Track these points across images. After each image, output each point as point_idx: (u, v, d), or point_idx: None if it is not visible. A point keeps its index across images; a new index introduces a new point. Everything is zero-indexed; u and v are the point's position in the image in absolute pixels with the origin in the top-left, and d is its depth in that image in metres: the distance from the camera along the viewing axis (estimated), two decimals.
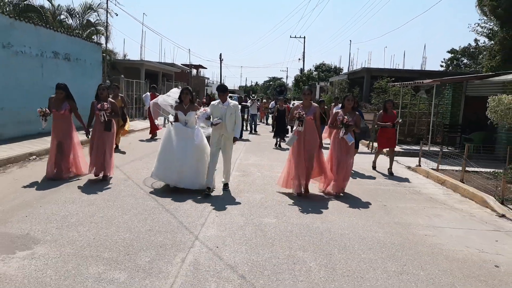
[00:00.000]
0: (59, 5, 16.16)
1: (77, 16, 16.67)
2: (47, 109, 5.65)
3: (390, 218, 4.66)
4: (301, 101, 5.59)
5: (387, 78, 15.51)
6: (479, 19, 16.12)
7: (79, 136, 6.13)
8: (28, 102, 8.82)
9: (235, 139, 5.34)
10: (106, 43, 17.78)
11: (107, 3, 17.38)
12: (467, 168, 7.11)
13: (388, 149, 7.77)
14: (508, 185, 6.12)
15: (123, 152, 8.42)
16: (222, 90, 5.35)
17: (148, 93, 11.42)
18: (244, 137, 12.89)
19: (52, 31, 10.62)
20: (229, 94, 6.39)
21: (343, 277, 3.06)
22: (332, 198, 5.36)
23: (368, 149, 10.88)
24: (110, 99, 5.97)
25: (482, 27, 17.56)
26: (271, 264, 3.22)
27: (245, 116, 14.40)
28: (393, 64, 46.47)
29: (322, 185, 5.66)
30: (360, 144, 8.66)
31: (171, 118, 5.55)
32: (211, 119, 5.25)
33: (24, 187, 5.20)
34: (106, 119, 5.64)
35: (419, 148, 8.64)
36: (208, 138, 5.50)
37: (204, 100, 14.61)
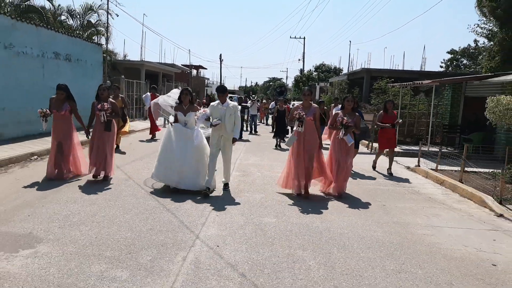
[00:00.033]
0: (59, 5, 16.19)
1: (78, 16, 16.73)
2: (47, 110, 5.68)
3: (389, 217, 4.70)
4: (301, 102, 5.62)
5: (387, 79, 15.55)
6: (478, 20, 16.20)
7: (79, 137, 6.16)
8: (29, 103, 8.86)
9: (234, 140, 5.36)
10: (106, 44, 17.83)
11: (107, 4, 17.45)
12: (466, 169, 7.15)
13: (388, 149, 7.80)
14: (506, 185, 6.16)
15: (123, 153, 8.46)
16: (222, 91, 5.39)
17: (149, 93, 11.46)
18: (244, 137, 12.93)
19: (53, 32, 10.67)
20: (229, 95, 6.44)
21: (342, 276, 3.10)
22: (332, 198, 5.40)
23: (367, 149, 10.92)
24: (110, 99, 5.99)
25: (481, 28, 17.64)
26: (271, 262, 3.26)
27: (245, 117, 14.44)
28: (392, 65, 46.51)
29: (323, 186, 5.69)
30: (360, 145, 8.70)
31: (171, 118, 5.58)
32: (211, 120, 5.28)
33: (26, 187, 5.24)
34: (106, 119, 5.67)
35: (418, 149, 8.68)
36: (208, 138, 5.53)
37: (204, 100, 14.66)
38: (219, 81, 48.22)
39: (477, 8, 15.38)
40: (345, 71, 34.39)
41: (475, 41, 26.25)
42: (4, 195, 4.83)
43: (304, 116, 5.18)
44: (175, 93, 5.95)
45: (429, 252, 3.67)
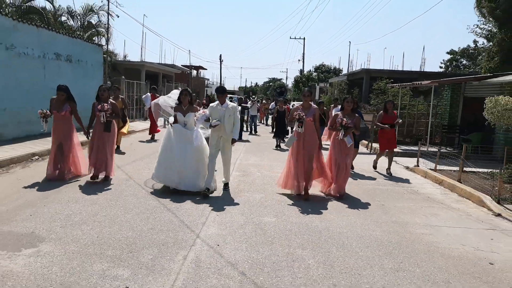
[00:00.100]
0: (59, 6, 16.25)
1: (78, 17, 16.78)
2: (47, 111, 5.70)
3: (388, 217, 4.74)
4: (301, 102, 5.65)
5: (386, 79, 15.60)
6: (478, 21, 16.24)
7: (79, 137, 6.17)
8: (30, 103, 8.90)
9: (233, 141, 5.37)
10: (107, 45, 17.88)
11: (108, 5, 17.49)
12: (465, 169, 7.19)
13: (389, 149, 7.79)
14: (504, 185, 6.20)
15: (123, 153, 8.48)
16: (221, 91, 5.40)
17: (149, 94, 11.50)
18: (244, 137, 12.97)
19: (54, 33, 10.73)
20: (229, 95, 6.48)
21: (341, 274, 3.13)
22: (331, 199, 5.42)
23: (367, 149, 10.96)
24: (111, 100, 6.01)
25: (481, 29, 17.67)
26: (271, 261, 3.29)
27: (245, 117, 14.47)
28: (392, 65, 46.55)
29: (323, 187, 5.70)
30: (359, 145, 8.73)
31: (171, 119, 5.60)
32: (210, 121, 5.30)
33: (27, 187, 5.28)
34: (106, 120, 5.67)
35: (417, 149, 8.71)
36: (207, 139, 5.56)
37: (204, 101, 14.69)
38: (219, 81, 48.26)
39: (476, 8, 15.41)
40: (344, 71, 34.46)
41: (475, 41, 26.31)
42: (6, 195, 4.87)
43: (304, 117, 5.20)
44: (175, 94, 5.98)
45: (427, 251, 3.71)
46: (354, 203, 5.27)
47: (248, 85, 77.55)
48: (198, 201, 4.94)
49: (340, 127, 5.50)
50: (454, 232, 4.32)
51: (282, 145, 10.75)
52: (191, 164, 5.27)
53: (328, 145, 6.12)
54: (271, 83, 70.13)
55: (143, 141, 10.81)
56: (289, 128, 11.50)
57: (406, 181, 7.09)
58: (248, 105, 15.24)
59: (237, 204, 4.96)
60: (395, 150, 8.11)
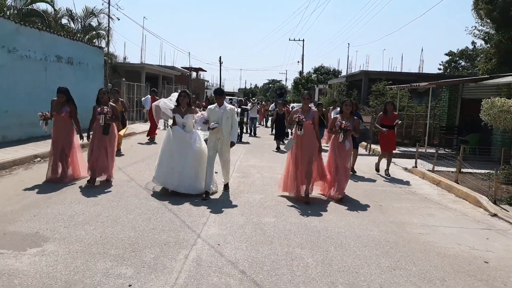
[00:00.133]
0: (60, 8, 16.33)
1: (79, 20, 16.90)
2: (47, 113, 5.74)
3: (385, 217, 4.82)
4: (300, 104, 5.70)
5: (385, 81, 15.70)
6: (475, 22, 16.35)
7: (80, 139, 6.14)
8: (31, 105, 8.98)
9: (232, 144, 5.36)
10: (108, 47, 17.98)
11: (108, 8, 17.60)
12: (462, 170, 7.28)
13: (388, 150, 7.83)
14: (501, 185, 6.29)
15: (122, 155, 8.50)
16: (219, 93, 5.40)
17: (149, 96, 11.58)
18: (244, 139, 13.06)
19: (56, 36, 10.83)
20: (229, 97, 6.53)
21: (339, 272, 3.21)
22: (331, 200, 5.45)
23: (366, 151, 11.04)
24: (111, 103, 6.00)
25: (479, 31, 17.81)
26: (270, 260, 3.37)
27: (245, 119, 14.54)
28: (391, 67, 46.76)
29: (323, 189, 5.71)
30: (358, 146, 8.79)
31: (171, 122, 5.65)
32: (209, 124, 5.26)
33: (31, 188, 5.35)
34: (105, 123, 5.66)
35: (415, 150, 8.80)
36: (207, 141, 5.60)
37: (204, 103, 14.78)
38: (219, 83, 48.38)
39: (473, 10, 15.56)
40: (344, 73, 34.59)
41: (473, 43, 26.44)
42: (10, 196, 4.95)
43: (303, 119, 5.22)
44: (175, 96, 6.05)
45: (423, 250, 3.79)
46: (353, 204, 5.34)
47: (248, 86, 77.75)
48: (198, 202, 5.02)
49: (340, 130, 5.53)
50: (450, 231, 4.40)
51: (282, 147, 10.83)
52: (191, 167, 5.31)
53: (327, 146, 6.18)
54: (270, 85, 70.27)
55: (143, 143, 10.88)
56: (288, 130, 11.58)
57: (404, 182, 7.17)
58: (248, 107, 15.31)
59: (237, 204, 5.04)
60: (394, 151, 8.18)
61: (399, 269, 3.33)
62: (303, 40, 42.19)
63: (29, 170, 6.68)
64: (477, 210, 5.38)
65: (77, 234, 3.72)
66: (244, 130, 14.45)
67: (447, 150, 10.67)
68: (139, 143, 10.80)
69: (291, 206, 5.09)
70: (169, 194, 5.27)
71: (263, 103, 23.24)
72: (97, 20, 17.44)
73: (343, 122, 5.54)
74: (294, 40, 40.73)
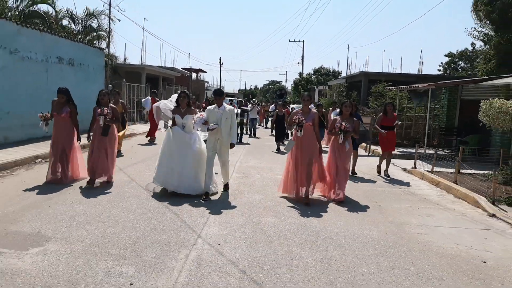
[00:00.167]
0: (60, 9, 16.39)
1: (80, 21, 16.96)
2: (47, 114, 5.76)
3: (384, 217, 4.85)
4: (300, 106, 5.71)
5: (384, 82, 15.75)
6: (475, 23, 16.41)
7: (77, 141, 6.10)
8: (32, 106, 9.02)
9: (232, 145, 5.37)
10: (108, 48, 18.05)
11: (109, 9, 17.67)
12: (462, 171, 7.31)
13: (389, 151, 7.83)
14: (500, 186, 6.32)
15: (122, 155, 8.51)
16: (219, 94, 5.39)
17: (149, 97, 11.62)
18: (244, 140, 13.09)
19: (57, 37, 10.88)
20: (229, 98, 6.54)
21: (338, 272, 3.25)
22: (330, 201, 5.47)
23: (365, 151, 11.07)
24: (111, 104, 6.01)
25: (478, 32, 17.87)
26: (270, 259, 3.40)
27: (245, 120, 14.57)
28: (390, 68, 46.83)
29: (323, 191, 5.70)
30: (358, 147, 8.81)
31: (171, 122, 5.66)
32: (208, 124, 5.26)
33: (32, 188, 5.39)
34: (104, 124, 5.65)
35: (415, 151, 8.83)
36: (206, 141, 5.61)
37: (204, 104, 14.82)
38: (219, 84, 48.45)
39: (473, 12, 15.62)
40: (343, 74, 34.66)
41: (472, 44, 26.48)
42: (12, 196, 4.98)
43: (303, 121, 5.22)
44: (176, 97, 6.08)
45: (422, 250, 3.82)
46: (352, 204, 5.37)
47: (248, 87, 77.82)
48: (199, 203, 5.05)
49: (339, 132, 5.54)
50: (449, 232, 4.43)
51: (282, 148, 10.87)
52: (190, 168, 5.32)
53: (328, 147, 6.20)
54: (270, 86, 70.35)
55: (143, 144, 10.92)
56: (288, 131, 11.61)
57: (403, 183, 7.20)
58: (248, 108, 15.35)
59: (237, 205, 5.07)
60: (393, 152, 8.21)
61: (398, 268, 3.36)
62: (303, 41, 42.29)
63: (30, 171, 6.71)
64: (475, 211, 5.41)
65: (78, 234, 3.75)
66: (244, 131, 14.48)
67: (446, 151, 10.71)
68: (139, 144, 10.84)
69: (291, 206, 5.12)
70: (170, 195, 5.30)
71: (263, 104, 23.29)
72: (98, 21, 17.52)
73: (343, 123, 5.55)
74: (294, 41, 40.84)
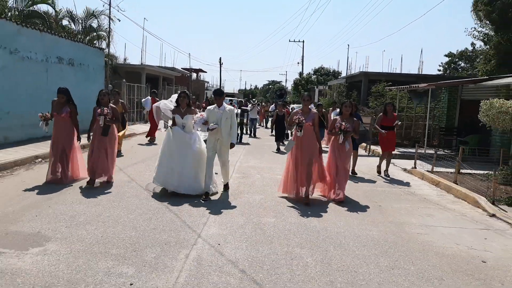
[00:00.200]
0: (60, 9, 16.40)
1: (79, 21, 16.96)
2: (47, 114, 5.76)
3: (384, 217, 4.85)
4: (301, 106, 5.71)
5: (384, 83, 15.75)
6: (475, 23, 16.41)
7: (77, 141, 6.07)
8: (32, 106, 9.02)
9: (232, 145, 5.36)
10: (108, 48, 18.05)
11: (109, 9, 17.67)
12: (462, 171, 7.31)
13: (388, 151, 7.81)
14: (500, 186, 6.32)
15: (122, 155, 8.51)
16: (219, 94, 5.39)
17: (149, 98, 11.62)
18: (244, 140, 13.09)
19: (57, 37, 10.88)
20: (229, 98, 6.53)
21: (338, 272, 3.25)
22: (330, 201, 5.47)
23: (365, 151, 11.07)
24: (111, 104, 6.00)
25: (478, 32, 17.87)
26: (270, 259, 3.40)
27: (245, 120, 14.58)
28: (391, 68, 46.86)
29: (323, 191, 5.69)
30: (358, 147, 8.80)
31: (171, 123, 5.66)
32: (208, 124, 5.25)
33: (32, 188, 5.39)
34: (104, 124, 5.64)
35: (415, 151, 8.83)
36: (206, 141, 5.61)
37: (204, 104, 14.82)
38: (219, 84, 48.45)
39: (473, 12, 15.62)
40: (343, 74, 34.66)
41: (472, 44, 26.48)
42: (12, 196, 4.98)
43: (303, 121, 5.21)
44: (176, 97, 6.08)
45: (422, 249, 3.82)
46: (352, 204, 5.37)
47: (248, 87, 77.81)
48: (199, 203, 5.05)
49: (339, 132, 5.53)
50: (449, 231, 4.43)
51: (282, 148, 10.86)
52: (190, 168, 5.32)
53: (328, 147, 6.19)
54: (270, 86, 70.36)
55: (143, 144, 10.92)
56: (288, 131, 11.60)
57: (403, 183, 7.20)
58: (248, 108, 15.35)
59: (237, 205, 5.07)
60: (393, 152, 8.21)
61: (398, 268, 3.36)
62: (303, 41, 42.28)
63: (30, 171, 6.71)
64: (475, 211, 5.41)
65: (78, 234, 3.75)
66: (244, 131, 14.49)
67: (446, 151, 10.70)
68: (139, 144, 10.84)
69: (291, 206, 5.12)
70: (170, 195, 5.30)
71: (263, 104, 23.30)
72: (98, 21, 17.52)
73: (343, 123, 5.54)
74: (294, 41, 40.83)
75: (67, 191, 5.35)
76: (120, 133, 8.48)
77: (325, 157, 5.78)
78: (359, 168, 8.03)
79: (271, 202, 5.27)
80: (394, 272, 3.29)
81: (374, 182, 7.14)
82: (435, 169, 7.86)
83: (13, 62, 9.01)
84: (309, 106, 5.59)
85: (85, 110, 6.80)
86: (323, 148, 5.77)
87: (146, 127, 14.48)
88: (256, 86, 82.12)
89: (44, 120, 5.73)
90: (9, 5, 13.83)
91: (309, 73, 40.73)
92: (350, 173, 7.13)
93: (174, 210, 4.69)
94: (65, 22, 16.90)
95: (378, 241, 3.98)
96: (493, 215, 5.11)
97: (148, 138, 11.36)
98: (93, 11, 17.01)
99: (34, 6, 14.40)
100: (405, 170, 8.47)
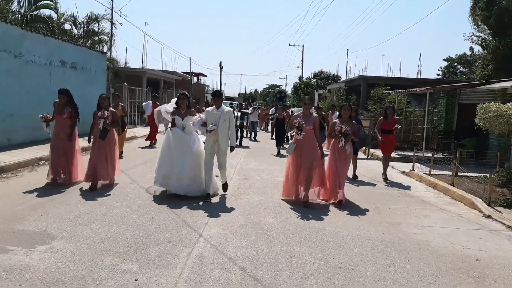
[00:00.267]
0: (63, 13, 16.59)
1: (81, 25, 17.17)
2: (47, 115, 5.84)
3: (381, 218, 4.95)
4: (301, 109, 5.76)
5: (383, 87, 15.90)
6: (472, 28, 16.61)
7: (81, 142, 6.20)
8: (36, 109, 9.10)
9: (232, 148, 5.40)
10: (110, 52, 18.24)
11: (112, 14, 17.88)
12: (460, 173, 7.41)
13: (386, 154, 7.86)
14: (496, 188, 6.42)
15: (121, 157, 8.55)
16: (217, 95, 5.43)
17: (150, 102, 11.75)
18: (244, 143, 13.20)
19: (60, 41, 11.05)
20: (229, 102, 6.62)
21: (336, 269, 3.34)
22: (329, 203, 5.53)
23: (364, 154, 11.18)
24: (111, 108, 6.05)
25: (477, 37, 18.07)
26: (270, 258, 3.50)
27: (245, 123, 14.70)
28: (390, 72, 47.08)
29: (323, 194, 5.66)
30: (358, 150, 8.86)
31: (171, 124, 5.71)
32: (207, 126, 5.30)
33: (36, 189, 5.49)
34: (104, 128, 5.68)
35: (413, 154, 8.94)
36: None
37: (204, 107, 14.94)
38: (219, 88, 48.66)
39: (470, 17, 15.81)
40: (343, 78, 34.86)
41: (471, 48, 26.71)
42: (17, 197, 5.09)
43: (303, 125, 5.24)
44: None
45: (417, 249, 3.92)
46: (350, 206, 5.47)
47: (248, 91, 78.08)
48: (200, 203, 5.15)
49: (340, 135, 5.55)
50: (444, 232, 4.53)
51: (282, 152, 10.95)
52: (190, 169, 5.36)
53: (327, 150, 6.26)
54: (270, 90, 70.64)
55: (143, 147, 11.01)
56: (288, 134, 11.70)
57: (401, 185, 7.30)
58: (249, 111, 15.47)
59: (238, 205, 5.17)
60: (391, 155, 8.29)
61: (394, 266, 3.46)
62: (303, 46, 42.54)
63: (34, 172, 6.82)
64: (471, 212, 5.51)
65: (83, 233, 3.85)
66: (244, 134, 14.59)
67: (444, 154, 10.81)
68: (140, 147, 10.95)
69: (291, 207, 5.22)
70: (171, 196, 5.38)
71: (263, 107, 23.46)
72: (100, 26, 17.73)
73: (343, 126, 5.57)
74: (294, 45, 41.05)
75: (71, 192, 5.45)
76: (121, 135, 8.57)
77: (325, 160, 5.87)
78: (358, 170, 8.11)
79: (271, 203, 5.37)
80: (390, 270, 3.39)
81: (372, 184, 7.24)
82: (433, 171, 7.97)
83: (18, 65, 9.16)
84: (310, 110, 5.67)
85: (87, 113, 6.90)
86: (324, 152, 5.83)
87: (146, 130, 14.59)
88: (256, 90, 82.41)
89: (45, 121, 5.82)
90: (13, 9, 14.02)
91: (309, 77, 40.98)
92: (351, 178, 7.23)
93: (176, 210, 4.79)
94: (67, 26, 17.12)
95: (375, 241, 4.08)
96: (489, 216, 5.21)
97: (149, 142, 11.46)
98: (95, 16, 17.22)
99: (38, 10, 14.59)
100: (403, 172, 8.58)
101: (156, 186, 5.63)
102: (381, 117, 7.97)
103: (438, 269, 3.46)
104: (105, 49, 18.10)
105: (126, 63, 27.07)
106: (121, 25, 25.53)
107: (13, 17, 13.46)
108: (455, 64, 30.01)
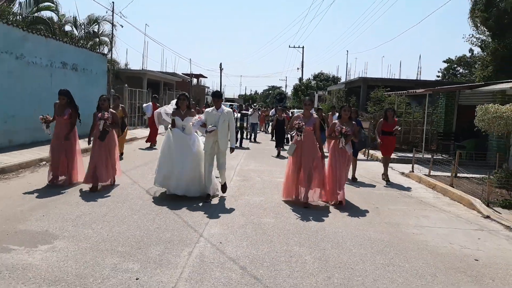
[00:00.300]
0: (63, 15, 16.67)
1: (82, 27, 17.24)
2: (47, 116, 5.86)
3: (381, 218, 4.98)
4: (301, 110, 5.79)
5: (383, 89, 15.95)
6: (472, 30, 16.68)
7: (81, 143, 6.23)
8: (37, 110, 9.14)
9: (232, 150, 5.43)
10: (111, 54, 18.31)
11: (112, 16, 17.96)
12: (459, 174, 7.44)
13: (386, 155, 7.90)
14: (495, 189, 6.45)
15: (122, 158, 8.57)
16: (217, 96, 5.47)
17: (150, 103, 11.79)
18: (244, 145, 13.24)
19: (61, 43, 11.10)
20: (230, 103, 6.64)
21: (335, 268, 3.37)
22: (329, 203, 5.57)
23: (364, 156, 11.22)
24: (111, 110, 6.07)
25: (476, 38, 18.13)
26: (270, 257, 3.53)
27: (245, 125, 14.73)
28: (390, 74, 47.18)
29: (323, 196, 5.63)
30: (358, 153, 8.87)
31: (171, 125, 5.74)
32: (206, 127, 5.32)
33: (38, 190, 5.52)
34: (104, 129, 5.69)
35: (412, 155, 8.97)
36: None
37: (204, 109, 14.99)
38: (219, 89, 48.76)
39: (470, 19, 15.88)
40: (343, 80, 34.93)
41: (471, 50, 26.79)
42: (19, 197, 5.12)
43: (303, 126, 5.27)
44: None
45: (416, 248, 3.95)
46: (350, 206, 5.50)
47: (248, 93, 78.15)
48: (200, 204, 5.19)
49: (340, 135, 5.57)
50: (443, 232, 4.56)
51: (283, 153, 10.97)
52: (190, 169, 5.38)
53: (327, 152, 6.29)
54: (270, 91, 70.72)
55: (143, 149, 11.05)
56: (288, 136, 11.72)
57: (401, 186, 7.33)
58: (249, 112, 15.51)
59: (238, 206, 5.21)
60: (391, 156, 8.32)
61: (393, 266, 3.49)
62: (303, 47, 42.57)
63: (35, 173, 6.86)
64: (470, 212, 5.54)
65: (85, 233, 3.89)
66: (244, 136, 14.62)
67: (444, 155, 10.84)
68: (140, 149, 10.99)
69: (290, 208, 5.25)
70: (171, 197, 5.41)
71: (263, 108, 23.52)
72: (100, 26, 17.80)
73: (343, 127, 5.59)
74: (294, 47, 41.15)
75: (73, 192, 5.49)
76: (121, 137, 8.59)
77: (325, 161, 5.89)
78: (358, 171, 8.15)
79: (271, 204, 5.40)
80: (389, 269, 3.42)
81: (372, 185, 7.27)
82: (433, 173, 8.00)
83: (19, 67, 9.21)
84: (310, 111, 5.70)
85: (87, 114, 6.94)
86: (324, 153, 5.85)
87: (147, 132, 14.62)
88: (256, 91, 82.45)
89: (45, 122, 5.85)
90: (14, 11, 14.09)
91: (309, 78, 41.07)
92: (351, 180, 7.25)
93: (177, 211, 4.82)
94: (68, 27, 17.20)
95: (374, 241, 4.11)
96: (488, 217, 5.24)
97: (149, 143, 11.50)
98: (96, 18, 17.30)
99: (39, 12, 14.66)
100: (403, 174, 8.61)
101: (156, 187, 5.66)
102: (382, 119, 8.00)
103: (437, 269, 3.49)
104: (105, 50, 18.19)
105: (126, 65, 27.16)
106: (122, 26, 25.68)
107: (14, 19, 13.53)
108: (455, 65, 30.09)
